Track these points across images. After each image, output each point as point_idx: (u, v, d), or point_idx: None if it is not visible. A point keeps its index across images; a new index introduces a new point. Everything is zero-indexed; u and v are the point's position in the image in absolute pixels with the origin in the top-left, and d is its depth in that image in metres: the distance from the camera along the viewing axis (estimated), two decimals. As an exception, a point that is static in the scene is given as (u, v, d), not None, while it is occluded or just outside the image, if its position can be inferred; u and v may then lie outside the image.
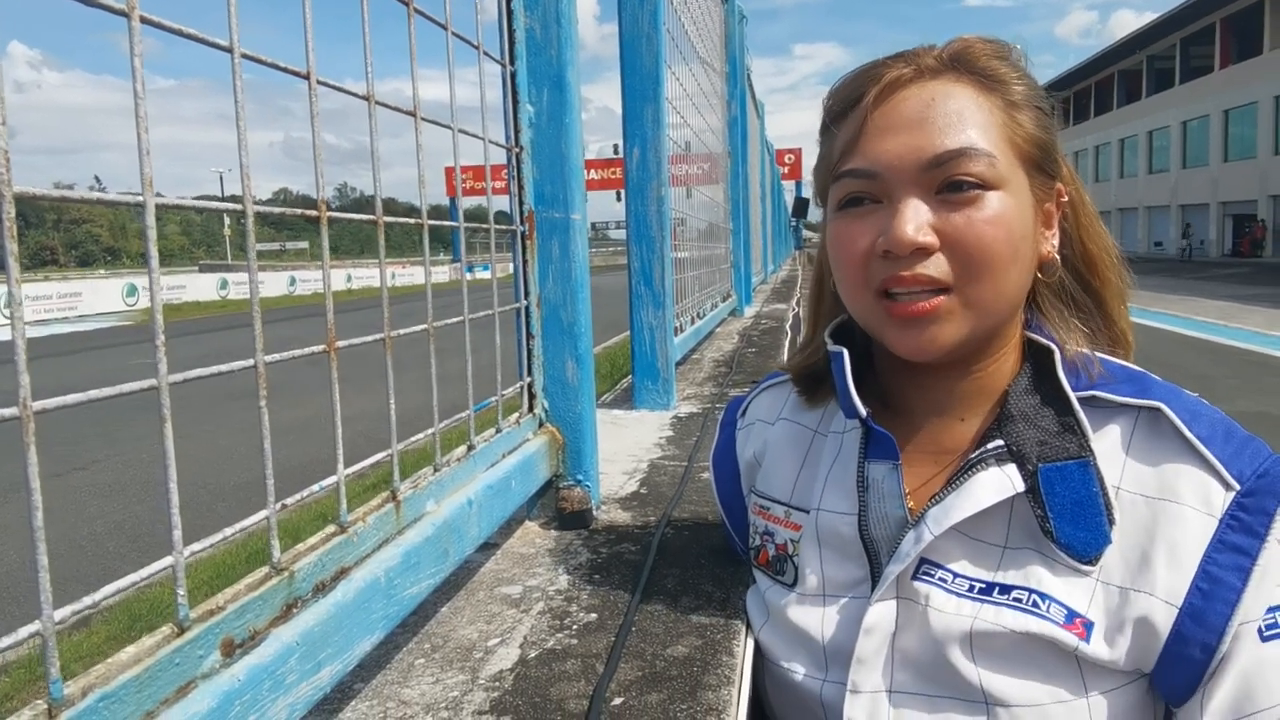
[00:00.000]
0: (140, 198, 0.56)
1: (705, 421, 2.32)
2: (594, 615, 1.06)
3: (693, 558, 1.24)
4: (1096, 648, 0.78)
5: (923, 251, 0.81)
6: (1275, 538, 0.75)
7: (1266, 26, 34.94)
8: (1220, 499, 0.78)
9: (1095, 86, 52.59)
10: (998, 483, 0.83)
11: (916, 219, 0.81)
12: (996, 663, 0.80)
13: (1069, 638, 0.78)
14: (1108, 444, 0.84)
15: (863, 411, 0.89)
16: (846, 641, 0.88)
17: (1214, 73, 38.93)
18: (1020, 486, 0.82)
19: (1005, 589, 0.82)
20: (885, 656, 0.85)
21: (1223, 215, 38.80)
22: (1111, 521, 0.80)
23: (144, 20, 0.56)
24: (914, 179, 0.82)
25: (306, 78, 0.73)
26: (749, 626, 1.03)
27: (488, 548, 1.30)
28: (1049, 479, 0.82)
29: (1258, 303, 16.49)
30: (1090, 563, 0.80)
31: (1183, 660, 0.77)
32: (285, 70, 0.71)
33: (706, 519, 1.41)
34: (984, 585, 0.83)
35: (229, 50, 0.65)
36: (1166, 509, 0.79)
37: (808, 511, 0.97)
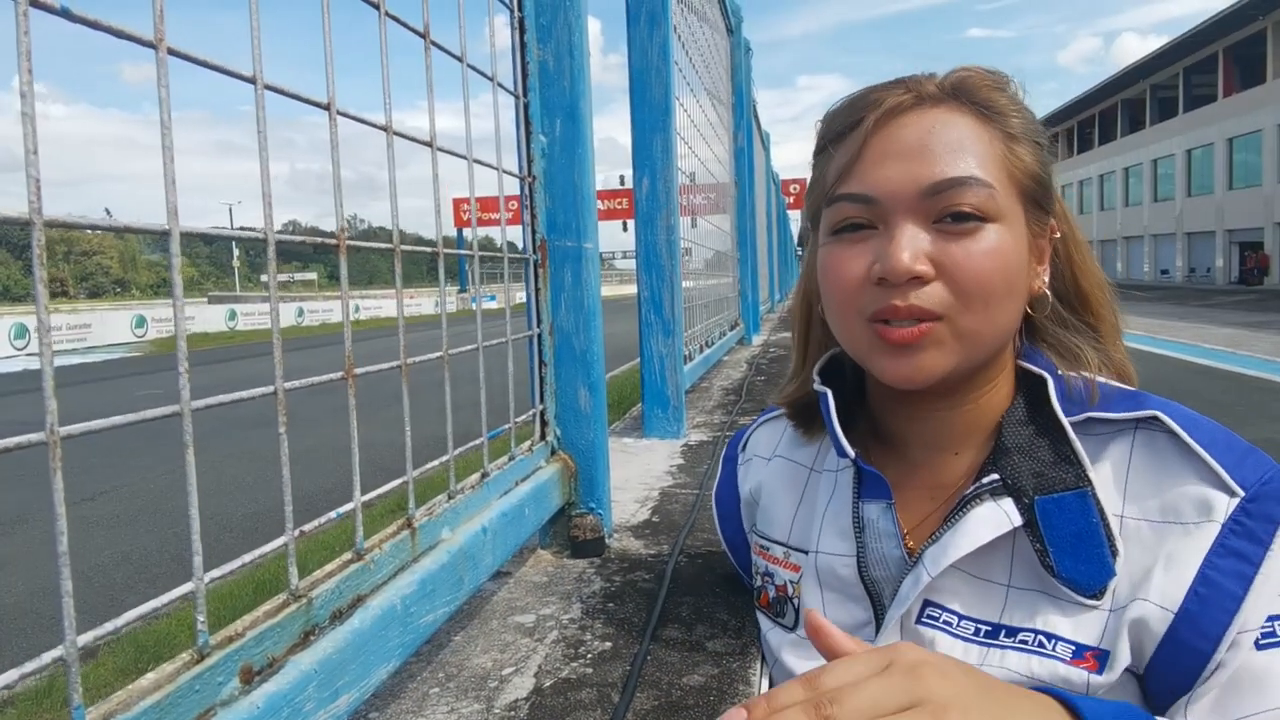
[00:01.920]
0: (166, 226, 0.56)
1: (715, 449, 2.32)
2: (608, 644, 1.06)
3: (706, 586, 1.24)
4: (1110, 675, 0.76)
5: (918, 280, 0.79)
6: None
7: (1269, 55, 35.11)
8: (1223, 505, 0.75)
9: (1099, 115, 52.83)
10: (994, 518, 0.80)
11: (913, 246, 0.79)
12: None
13: (1076, 675, 0.76)
14: (1107, 471, 0.82)
15: (851, 453, 0.87)
16: None
17: (1218, 101, 39.09)
18: (1017, 521, 0.80)
19: (1011, 631, 0.80)
20: None
21: (1229, 243, 38.79)
22: (1114, 553, 0.77)
23: (171, 52, 0.57)
24: (912, 206, 0.80)
25: (327, 108, 0.74)
26: (764, 659, 1.03)
27: (500, 576, 1.30)
28: (1046, 511, 0.80)
29: (1266, 330, 16.45)
30: (1095, 597, 0.77)
31: (1175, 666, 0.74)
32: (307, 101, 0.72)
33: (720, 547, 1.41)
34: (990, 628, 0.81)
35: (252, 81, 0.66)
36: (1170, 530, 0.77)
37: (806, 552, 0.95)
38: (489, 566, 1.08)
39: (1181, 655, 0.74)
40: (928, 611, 0.83)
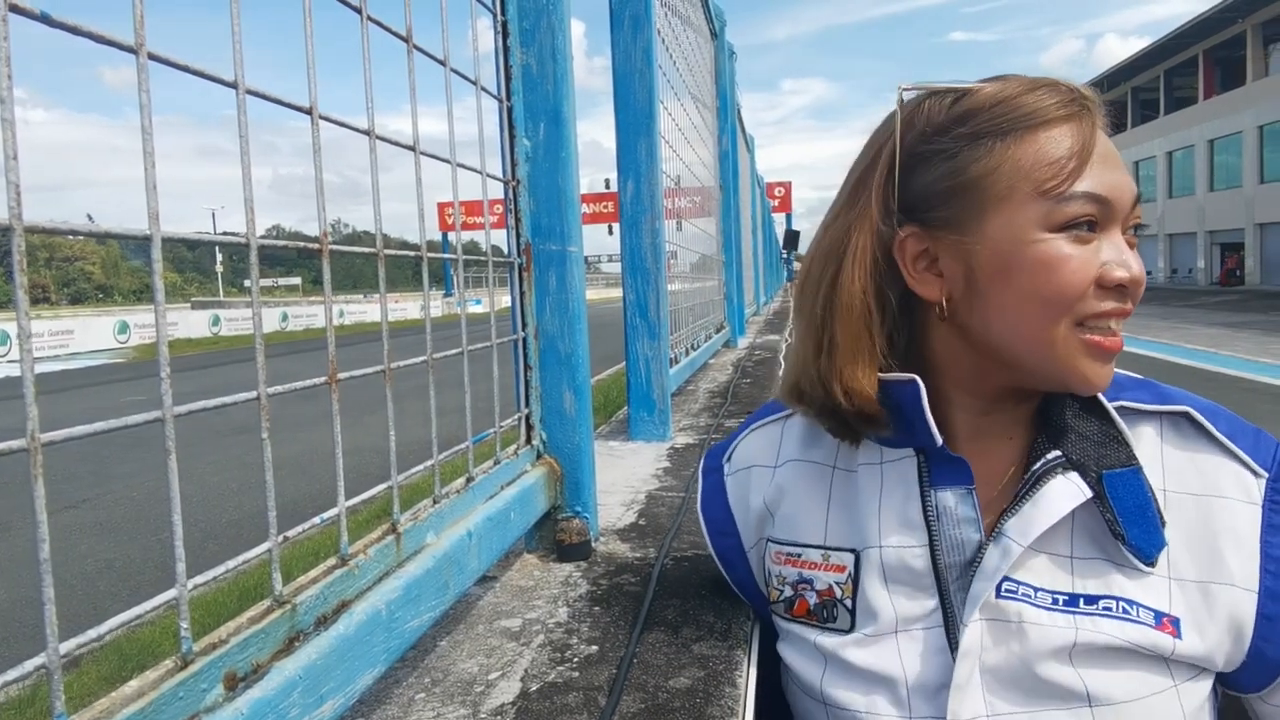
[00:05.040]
0: (147, 231, 0.56)
1: (702, 453, 2.32)
2: (595, 647, 1.06)
3: (693, 588, 1.24)
4: (1190, 643, 0.82)
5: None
6: None
7: (1249, 57, 35.45)
8: (1254, 486, 0.85)
9: (1081, 118, 53.07)
10: (1069, 491, 0.84)
11: (1136, 255, 0.83)
12: (1098, 666, 0.82)
13: (1165, 640, 0.81)
14: (1145, 449, 0.88)
15: (939, 440, 0.87)
16: (930, 674, 0.87)
17: (1198, 104, 39.42)
18: (1088, 493, 0.84)
19: (1091, 599, 0.84)
20: (977, 680, 0.85)
21: (1210, 244, 39.11)
22: (1163, 522, 0.84)
23: (151, 57, 0.56)
24: (1127, 216, 0.84)
25: (309, 113, 0.74)
26: (751, 657, 1.03)
27: (486, 580, 1.29)
28: (1113, 484, 0.85)
29: (1247, 330, 16.58)
30: (1152, 564, 0.83)
31: (1274, 640, 0.82)
32: (288, 106, 0.72)
33: (706, 551, 1.41)
34: (1068, 597, 0.84)
35: (234, 86, 0.65)
36: (1215, 504, 0.85)
37: (852, 551, 0.94)
38: (475, 571, 1.07)
39: (1277, 626, 0.82)
40: (1004, 586, 0.86)
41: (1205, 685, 0.84)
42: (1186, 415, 0.89)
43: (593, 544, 1.43)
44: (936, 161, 0.86)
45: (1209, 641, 0.82)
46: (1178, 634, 0.82)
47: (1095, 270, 0.80)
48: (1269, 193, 34.23)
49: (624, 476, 2.06)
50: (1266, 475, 0.85)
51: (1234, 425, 0.88)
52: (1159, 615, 0.82)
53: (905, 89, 0.88)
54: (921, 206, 0.87)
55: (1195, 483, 0.86)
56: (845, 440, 0.96)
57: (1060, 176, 0.81)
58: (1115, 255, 0.81)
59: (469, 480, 1.13)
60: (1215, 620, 0.82)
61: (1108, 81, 46.99)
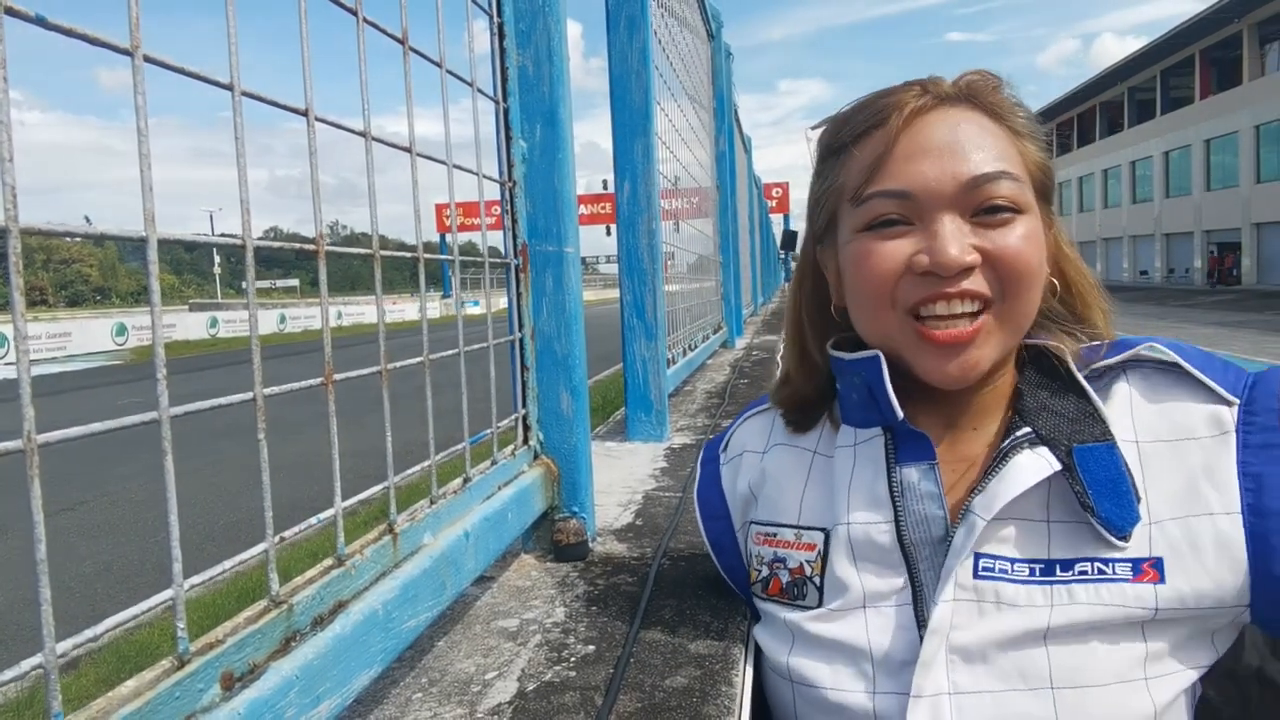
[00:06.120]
0: (144, 233, 0.56)
1: (699, 452, 2.33)
2: (592, 647, 1.06)
3: (689, 588, 1.24)
4: (1175, 585, 0.81)
5: (965, 270, 0.84)
6: None
7: (1245, 57, 35.48)
8: (1229, 416, 0.85)
9: (1077, 118, 53.21)
10: (1035, 464, 0.85)
11: (959, 239, 0.84)
12: (1068, 646, 0.82)
13: (1144, 590, 0.81)
14: (1116, 407, 0.89)
15: (900, 414, 0.90)
16: (897, 650, 0.88)
17: (1195, 104, 39.44)
18: (1056, 465, 0.85)
19: (1066, 564, 0.84)
20: (943, 658, 0.85)
21: (1206, 244, 39.12)
22: (1138, 498, 0.83)
23: (148, 59, 0.57)
24: (951, 201, 0.84)
25: (305, 115, 0.74)
26: (747, 655, 1.03)
27: (484, 581, 1.30)
28: (1083, 457, 0.85)
29: (1244, 329, 16.61)
30: (1125, 538, 0.83)
31: (1273, 553, 0.80)
32: (285, 108, 0.72)
33: (703, 550, 1.41)
34: (1043, 565, 0.85)
35: (229, 88, 0.66)
36: (1188, 446, 0.85)
37: (822, 530, 0.97)
38: (471, 571, 1.08)
39: (1271, 541, 0.81)
40: (981, 564, 0.87)
41: (1180, 680, 0.83)
42: (1146, 361, 0.90)
43: (590, 544, 1.43)
44: (810, 185, 0.99)
45: (1195, 579, 0.81)
46: (1160, 578, 0.81)
47: (902, 261, 0.86)
48: (1265, 192, 34.27)
49: (621, 477, 2.06)
50: (1238, 402, 0.85)
51: (1205, 359, 0.89)
52: (1137, 564, 0.82)
53: (811, 129, 0.99)
54: (817, 224, 0.99)
55: (1166, 430, 0.86)
56: (793, 427, 1.06)
57: (859, 182, 0.89)
58: (925, 244, 0.85)
59: (466, 481, 1.13)
60: (1201, 553, 0.82)
61: (1104, 81, 47.06)
